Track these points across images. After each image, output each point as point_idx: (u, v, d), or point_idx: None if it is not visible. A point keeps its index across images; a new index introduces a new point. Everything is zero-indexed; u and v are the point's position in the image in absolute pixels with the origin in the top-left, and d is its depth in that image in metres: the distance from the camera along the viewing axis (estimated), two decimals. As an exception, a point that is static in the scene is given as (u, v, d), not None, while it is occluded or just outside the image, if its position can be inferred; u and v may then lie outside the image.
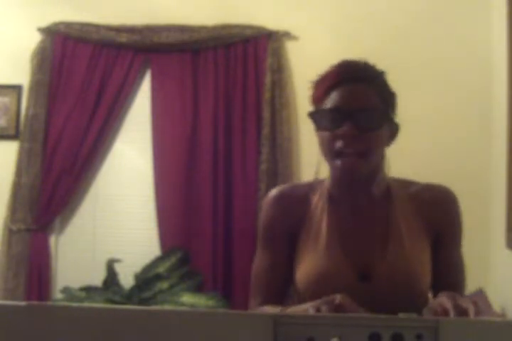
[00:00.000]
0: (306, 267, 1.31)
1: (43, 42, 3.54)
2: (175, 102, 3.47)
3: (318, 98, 1.28)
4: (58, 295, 3.40)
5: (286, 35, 3.46)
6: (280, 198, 1.37)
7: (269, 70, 3.39)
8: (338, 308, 1.03)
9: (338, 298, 1.05)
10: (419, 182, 1.37)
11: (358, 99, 1.23)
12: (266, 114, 3.37)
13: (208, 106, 3.44)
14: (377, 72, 1.30)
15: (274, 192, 1.39)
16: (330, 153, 1.25)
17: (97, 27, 3.52)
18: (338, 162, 1.24)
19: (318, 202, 1.35)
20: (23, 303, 0.84)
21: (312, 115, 1.28)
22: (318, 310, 1.04)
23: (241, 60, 3.44)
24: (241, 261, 3.33)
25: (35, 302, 0.86)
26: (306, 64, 3.46)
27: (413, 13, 3.39)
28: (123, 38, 3.49)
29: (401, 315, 0.92)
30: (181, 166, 3.43)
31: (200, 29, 3.47)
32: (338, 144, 1.22)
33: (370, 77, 1.27)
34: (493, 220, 3.09)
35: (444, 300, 1.04)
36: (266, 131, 3.36)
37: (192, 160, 3.44)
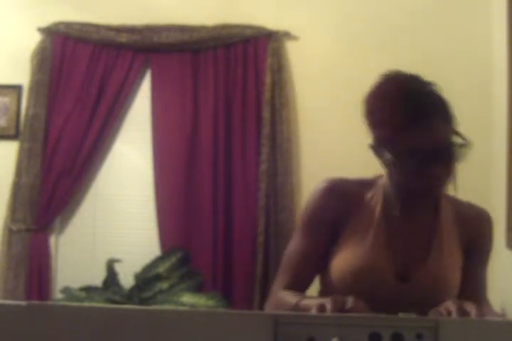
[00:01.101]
0: (347, 259, 1.33)
1: (43, 42, 3.54)
2: (175, 102, 3.47)
3: (388, 126, 1.21)
4: (58, 295, 3.40)
5: (286, 35, 3.46)
6: (332, 190, 1.38)
7: (269, 70, 3.39)
8: (347, 312, 1.03)
9: (350, 301, 1.05)
10: (463, 200, 1.45)
11: (439, 137, 1.21)
12: (266, 114, 3.37)
13: (208, 106, 3.44)
14: (432, 87, 1.26)
15: (326, 183, 1.40)
16: (404, 179, 1.27)
17: (97, 27, 3.52)
18: (414, 181, 1.24)
19: (371, 199, 1.37)
20: (23, 303, 0.84)
21: (388, 143, 1.23)
22: (322, 307, 1.04)
23: (241, 60, 3.44)
24: (241, 261, 3.33)
25: (35, 302, 0.86)
26: (306, 64, 3.47)
27: (413, 13, 3.39)
28: (123, 38, 3.49)
29: (401, 315, 0.92)
30: (181, 166, 3.43)
31: (200, 29, 3.47)
32: (423, 181, 1.23)
33: (433, 101, 1.23)
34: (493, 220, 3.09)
35: (450, 303, 1.08)
36: (266, 131, 3.36)
37: (192, 160, 3.44)
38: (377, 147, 1.28)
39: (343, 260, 1.34)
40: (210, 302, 3.07)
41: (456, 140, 1.24)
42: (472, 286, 1.39)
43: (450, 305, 1.07)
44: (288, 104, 3.41)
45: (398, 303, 1.20)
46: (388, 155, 1.24)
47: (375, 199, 1.37)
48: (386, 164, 1.29)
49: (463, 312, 1.03)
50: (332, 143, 3.36)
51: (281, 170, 3.35)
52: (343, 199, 1.37)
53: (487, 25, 3.31)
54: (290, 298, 1.30)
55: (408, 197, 1.34)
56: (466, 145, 1.24)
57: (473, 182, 3.15)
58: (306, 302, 1.24)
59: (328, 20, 3.47)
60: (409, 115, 1.18)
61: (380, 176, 1.40)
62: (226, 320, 0.83)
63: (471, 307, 1.04)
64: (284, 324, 0.82)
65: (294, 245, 1.41)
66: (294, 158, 3.41)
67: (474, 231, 1.41)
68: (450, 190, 1.35)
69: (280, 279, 1.40)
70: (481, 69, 3.31)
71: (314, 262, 1.38)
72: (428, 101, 1.22)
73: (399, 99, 1.21)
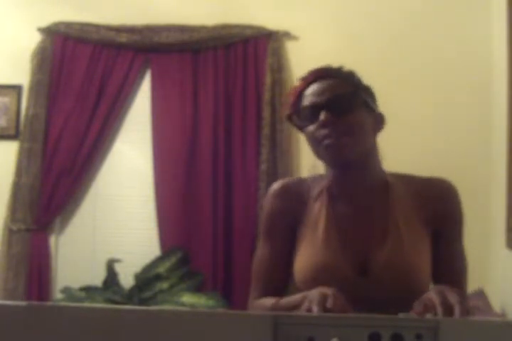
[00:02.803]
0: (304, 260, 1.32)
1: (43, 42, 3.54)
2: (175, 102, 3.47)
3: (293, 103, 1.35)
4: (58, 295, 3.40)
5: (286, 35, 3.46)
6: (282, 191, 1.40)
7: (269, 70, 3.39)
8: (328, 310, 1.03)
9: (329, 301, 1.05)
10: (419, 176, 1.38)
11: (327, 90, 1.30)
12: (266, 114, 3.37)
13: (208, 106, 3.44)
14: (346, 71, 1.37)
15: (276, 185, 1.42)
16: (317, 144, 1.29)
17: (97, 27, 3.52)
18: (324, 145, 1.27)
19: (318, 195, 1.37)
20: (23, 303, 0.84)
21: (290, 117, 1.36)
22: (309, 310, 1.04)
23: (241, 60, 3.44)
24: (241, 261, 3.33)
25: (35, 303, 0.86)
26: (306, 64, 3.44)
27: (413, 13, 3.39)
28: (123, 38, 3.49)
29: (401, 315, 0.92)
30: (181, 166, 3.43)
31: (200, 29, 3.47)
32: (322, 133, 1.27)
33: (335, 74, 1.35)
34: (493, 220, 3.09)
35: (433, 295, 1.04)
36: (266, 131, 3.36)
37: (192, 160, 3.44)
38: (291, 115, 1.36)
39: (300, 260, 1.33)
40: (210, 302, 3.08)
41: (344, 93, 1.30)
42: (447, 265, 1.33)
43: (433, 297, 1.03)
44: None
45: (363, 299, 1.16)
46: (295, 119, 1.34)
47: (321, 194, 1.37)
48: (308, 142, 1.33)
49: (447, 308, 1.00)
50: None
51: (281, 170, 3.35)
52: (292, 198, 1.38)
53: (487, 25, 3.31)
54: (268, 300, 1.32)
55: (340, 174, 1.33)
56: (362, 101, 1.31)
57: (473, 182, 3.16)
58: (286, 299, 1.26)
59: (328, 20, 3.48)
60: (307, 79, 1.34)
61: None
62: (226, 320, 0.83)
63: (454, 301, 1.00)
64: (284, 324, 0.82)
65: (259, 253, 1.42)
66: (294, 158, 3.41)
67: (438, 206, 1.32)
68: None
69: (254, 289, 1.40)
70: (481, 69, 3.31)
71: (283, 266, 1.37)
72: (327, 69, 1.36)
73: (310, 72, 1.37)
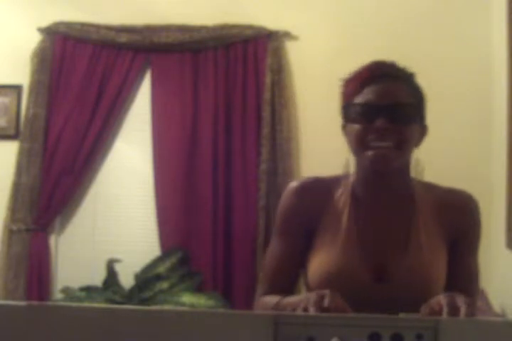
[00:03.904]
0: (321, 263, 1.30)
1: (43, 42, 3.53)
2: (175, 102, 3.47)
3: (350, 93, 1.29)
4: (58, 295, 3.40)
5: (286, 35, 3.46)
6: (301, 190, 1.37)
7: (269, 70, 3.39)
8: (325, 310, 1.03)
9: (326, 301, 1.04)
10: (443, 186, 1.37)
11: (391, 95, 1.26)
12: (266, 114, 3.37)
13: (208, 106, 3.44)
14: (409, 72, 1.33)
15: (295, 183, 1.39)
16: (361, 145, 1.26)
17: (97, 27, 3.52)
18: (371, 152, 1.24)
19: (340, 197, 1.34)
20: (23, 303, 0.84)
21: (345, 108, 1.30)
22: (305, 310, 1.04)
23: (241, 60, 3.44)
24: (241, 261, 3.33)
25: (35, 302, 0.86)
26: (306, 64, 3.47)
27: (413, 13, 3.39)
28: (123, 38, 3.49)
29: (401, 315, 0.92)
30: (181, 166, 3.43)
31: (200, 29, 3.47)
32: (371, 137, 1.24)
33: (402, 75, 1.31)
34: (493, 220, 3.09)
35: (441, 297, 1.05)
36: (266, 131, 3.36)
37: (192, 160, 3.44)
38: (344, 120, 1.32)
39: (317, 264, 1.31)
40: (210, 302, 3.07)
41: (408, 103, 1.27)
42: (462, 279, 1.33)
43: (441, 299, 1.04)
44: (288, 104, 3.41)
45: (377, 305, 1.16)
46: (348, 110, 1.29)
47: (344, 196, 1.34)
48: (349, 138, 1.30)
49: (453, 308, 1.00)
50: (332, 143, 3.35)
51: (281, 170, 3.35)
52: (311, 199, 1.35)
53: (487, 26, 3.31)
54: (272, 299, 1.31)
55: (376, 173, 1.30)
56: (420, 110, 1.30)
57: (473, 182, 3.15)
58: (287, 300, 1.25)
59: (328, 20, 3.47)
60: (372, 73, 1.28)
61: (352, 173, 1.37)
62: (226, 320, 0.83)
63: (461, 302, 1.01)
64: (284, 324, 0.82)
65: (270, 249, 1.40)
66: (294, 158, 3.41)
67: (458, 218, 1.33)
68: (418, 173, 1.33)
69: (262, 285, 1.40)
70: (481, 69, 3.31)
71: (293, 265, 1.37)
72: (394, 68, 1.31)
73: (369, 64, 1.31)
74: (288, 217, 1.37)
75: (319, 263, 1.31)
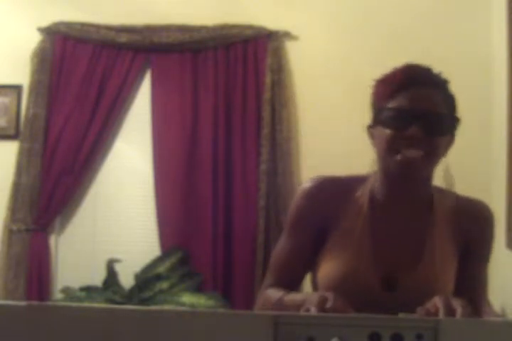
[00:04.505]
0: (332, 267, 1.29)
1: (43, 42, 3.53)
2: (175, 102, 3.47)
3: (382, 96, 1.26)
4: (58, 295, 3.40)
5: (286, 35, 3.46)
6: (315, 190, 1.34)
7: (269, 70, 3.39)
8: (327, 311, 1.03)
9: (329, 302, 1.04)
10: (460, 195, 1.36)
11: (427, 103, 1.23)
12: (266, 114, 3.37)
13: (208, 106, 3.44)
14: (444, 79, 1.30)
15: (310, 183, 1.36)
16: (390, 150, 1.23)
17: (97, 27, 3.52)
18: (399, 157, 1.21)
19: (358, 199, 1.32)
20: (23, 303, 0.84)
21: (377, 111, 1.27)
22: (307, 312, 1.04)
23: (241, 60, 3.44)
24: (241, 261, 3.33)
25: (35, 302, 0.86)
26: (306, 64, 3.47)
27: (413, 13, 3.39)
28: (123, 38, 3.49)
29: (401, 315, 0.92)
30: (181, 166, 3.43)
31: (200, 29, 3.47)
32: (402, 143, 1.21)
33: (437, 82, 1.28)
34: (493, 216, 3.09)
35: (437, 299, 1.04)
36: (266, 131, 3.36)
37: (192, 160, 3.44)
38: (373, 122, 1.29)
39: (328, 267, 1.30)
40: (210, 302, 3.07)
41: (443, 113, 1.24)
42: (470, 287, 1.33)
43: (437, 301, 1.04)
44: (288, 104, 3.41)
45: (384, 313, 1.16)
46: (381, 114, 1.25)
47: (362, 199, 1.32)
48: (377, 141, 1.27)
49: (450, 310, 1.00)
50: (332, 143, 3.36)
51: (281, 170, 3.35)
52: (327, 199, 1.33)
53: (487, 25, 3.31)
54: (276, 293, 1.30)
55: (394, 186, 1.28)
56: (453, 120, 1.27)
57: (473, 182, 3.15)
58: (290, 297, 1.24)
59: (328, 20, 3.47)
60: (409, 78, 1.25)
61: (372, 175, 1.34)
62: (226, 320, 0.83)
63: (457, 305, 1.00)
64: (284, 324, 0.82)
65: (280, 246, 1.39)
66: (294, 158, 3.41)
67: (473, 227, 1.33)
68: (446, 182, 1.31)
69: (268, 280, 1.39)
70: (481, 69, 3.31)
71: (301, 262, 1.36)
72: (431, 75, 1.28)
73: (404, 67, 1.28)
74: (300, 216, 1.36)
75: (330, 266, 1.30)
